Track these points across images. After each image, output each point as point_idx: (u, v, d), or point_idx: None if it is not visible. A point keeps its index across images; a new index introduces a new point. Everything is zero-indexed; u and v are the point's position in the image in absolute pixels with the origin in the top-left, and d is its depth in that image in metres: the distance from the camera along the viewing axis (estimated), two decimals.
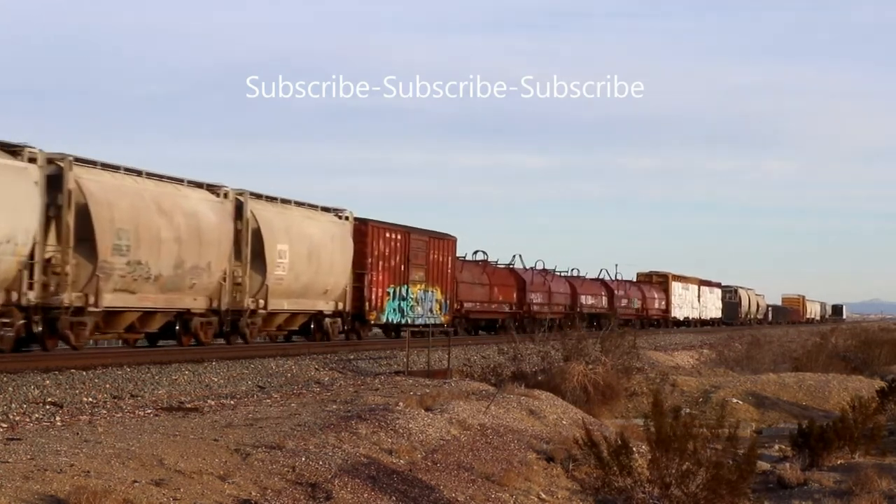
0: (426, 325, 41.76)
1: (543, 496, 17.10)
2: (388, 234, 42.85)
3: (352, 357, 31.10)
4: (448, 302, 48.31)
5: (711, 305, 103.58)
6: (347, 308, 39.06)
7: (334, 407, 19.55)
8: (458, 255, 51.52)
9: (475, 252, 56.58)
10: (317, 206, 37.98)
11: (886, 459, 22.86)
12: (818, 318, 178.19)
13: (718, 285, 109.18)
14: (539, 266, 64.24)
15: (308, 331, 37.84)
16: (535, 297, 61.18)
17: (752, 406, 33.70)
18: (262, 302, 33.42)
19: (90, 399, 19.47)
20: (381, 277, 41.91)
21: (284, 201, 35.76)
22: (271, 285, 33.56)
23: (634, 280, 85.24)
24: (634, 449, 16.50)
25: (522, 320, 55.59)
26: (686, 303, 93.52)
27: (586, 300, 70.04)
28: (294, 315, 36.42)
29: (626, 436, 16.27)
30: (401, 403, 19.79)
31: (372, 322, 41.90)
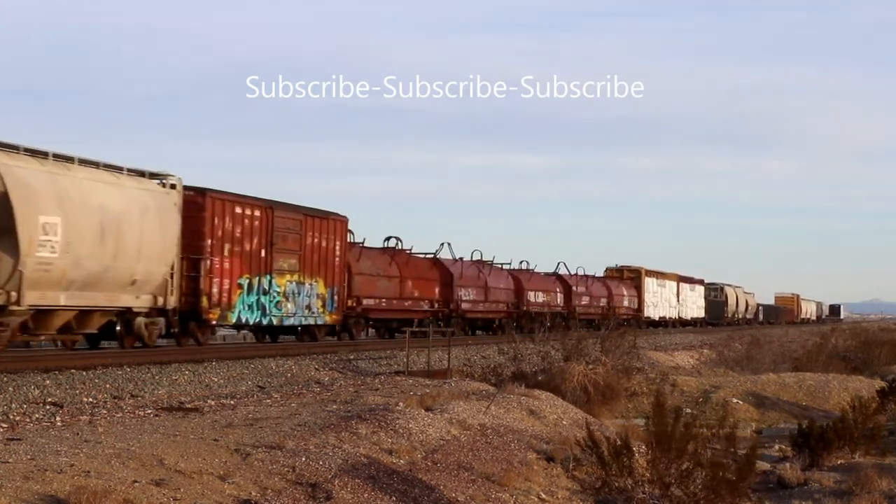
0: (302, 326, 37.60)
1: (543, 496, 17.10)
2: (238, 210, 33.88)
3: (352, 357, 31.11)
4: (337, 297, 39.42)
5: (693, 304, 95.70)
6: (172, 304, 29.70)
7: (334, 407, 19.55)
8: (356, 240, 42.96)
9: (386, 239, 47.14)
10: (122, 169, 28.18)
11: (886, 459, 22.86)
12: (814, 318, 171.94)
13: (701, 282, 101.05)
14: (476, 256, 55.63)
15: (113, 334, 29.08)
16: (466, 294, 52.60)
17: (752, 406, 33.70)
18: (13, 295, 23.90)
19: (90, 399, 19.47)
20: (228, 265, 33.23)
21: (62, 158, 26.05)
22: (31, 272, 24.09)
23: (601, 275, 76.28)
24: (635, 449, 16.49)
25: (449, 320, 48.36)
26: (662, 301, 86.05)
27: (535, 297, 61.46)
28: (86, 314, 26.99)
29: (627, 436, 16.27)
30: (401, 403, 19.78)
31: (214, 322, 33.26)
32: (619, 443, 15.65)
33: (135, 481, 12.10)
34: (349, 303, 40.23)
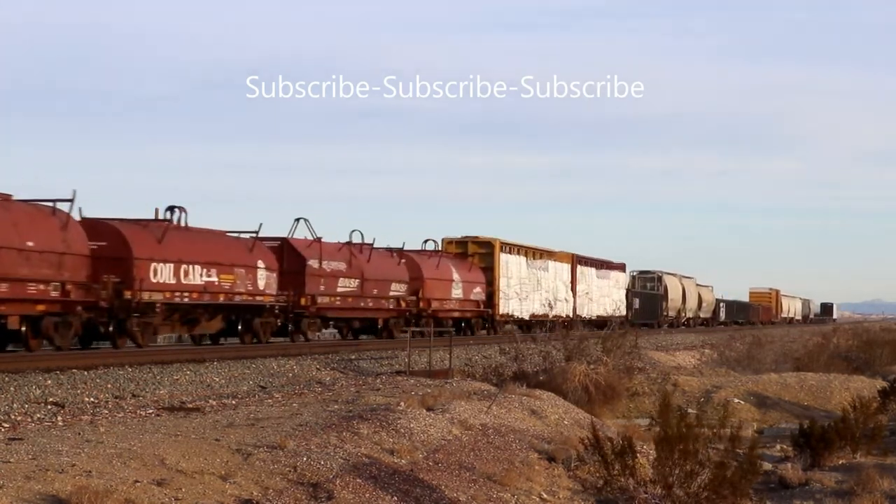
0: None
1: (545, 496, 17.10)
2: None
3: (353, 357, 31.12)
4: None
5: (607, 298, 70.44)
6: None
7: (336, 407, 19.55)
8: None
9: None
10: None
11: (888, 459, 22.86)
12: (799, 317, 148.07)
13: (622, 268, 76.36)
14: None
15: None
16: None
17: (754, 406, 33.70)
18: None
19: (92, 399, 19.48)
20: None
21: None
22: None
23: (425, 249, 49.99)
24: (637, 449, 16.49)
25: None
26: (540, 291, 58.60)
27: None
28: None
29: (630, 436, 16.27)
30: (402, 403, 19.78)
31: None
32: (622, 442, 15.65)
33: (136, 481, 12.11)
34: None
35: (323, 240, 39.50)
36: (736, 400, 33.91)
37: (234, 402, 20.12)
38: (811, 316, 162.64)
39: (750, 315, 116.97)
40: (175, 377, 23.14)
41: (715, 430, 16.60)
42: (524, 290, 57.02)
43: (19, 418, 16.53)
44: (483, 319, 52.92)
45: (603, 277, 71.12)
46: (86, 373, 22.25)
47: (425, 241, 50.29)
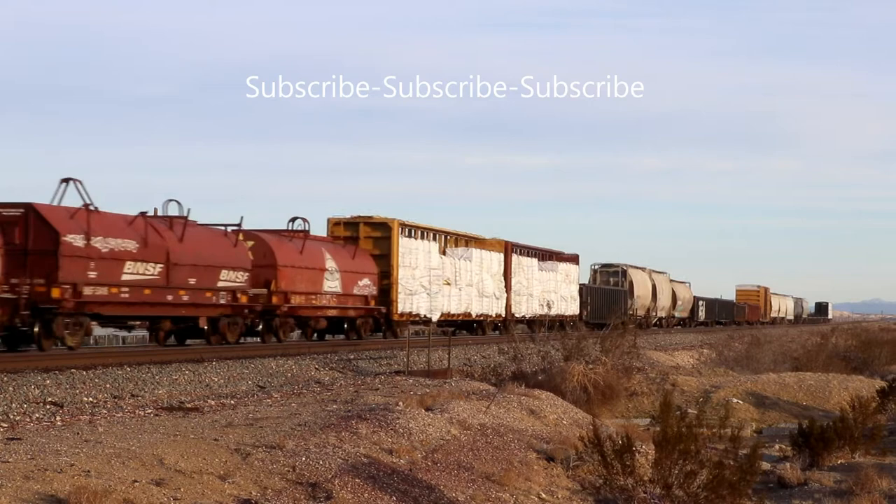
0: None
1: (543, 496, 17.09)
2: None
3: (352, 357, 31.14)
4: None
5: (553, 294, 61.08)
6: None
7: (335, 407, 19.55)
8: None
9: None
10: None
11: (887, 459, 22.86)
12: (790, 317, 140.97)
13: (573, 259, 66.11)
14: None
15: None
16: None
17: (753, 406, 33.69)
18: None
19: (90, 399, 19.48)
20: None
21: None
22: None
23: (287, 230, 39.48)
24: (636, 449, 16.49)
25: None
26: (459, 285, 48.90)
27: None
28: None
29: (629, 435, 16.27)
30: (401, 403, 19.78)
31: None
32: (622, 442, 15.65)
33: (135, 481, 12.10)
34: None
35: (102, 210, 29.68)
36: (735, 400, 33.89)
37: (232, 401, 20.12)
38: (804, 316, 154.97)
39: (735, 314, 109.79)
40: (174, 377, 23.14)
41: (715, 430, 16.60)
42: (435, 284, 46.47)
43: (18, 418, 16.53)
44: (374, 320, 42.67)
45: (548, 270, 61.31)
46: (84, 373, 22.25)
47: (292, 220, 39.35)
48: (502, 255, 55.01)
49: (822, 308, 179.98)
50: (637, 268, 78.82)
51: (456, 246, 50.93)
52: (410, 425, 18.10)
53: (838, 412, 26.55)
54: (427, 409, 19.73)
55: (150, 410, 18.04)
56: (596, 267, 76.50)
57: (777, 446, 25.75)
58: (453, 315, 48.35)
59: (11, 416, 16.65)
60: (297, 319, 37.83)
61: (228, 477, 13.23)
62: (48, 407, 18.00)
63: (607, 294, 71.93)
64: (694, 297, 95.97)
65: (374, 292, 42.22)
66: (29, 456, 12.51)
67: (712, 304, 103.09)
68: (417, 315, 45.15)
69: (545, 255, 62.88)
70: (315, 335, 39.73)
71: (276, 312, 36.18)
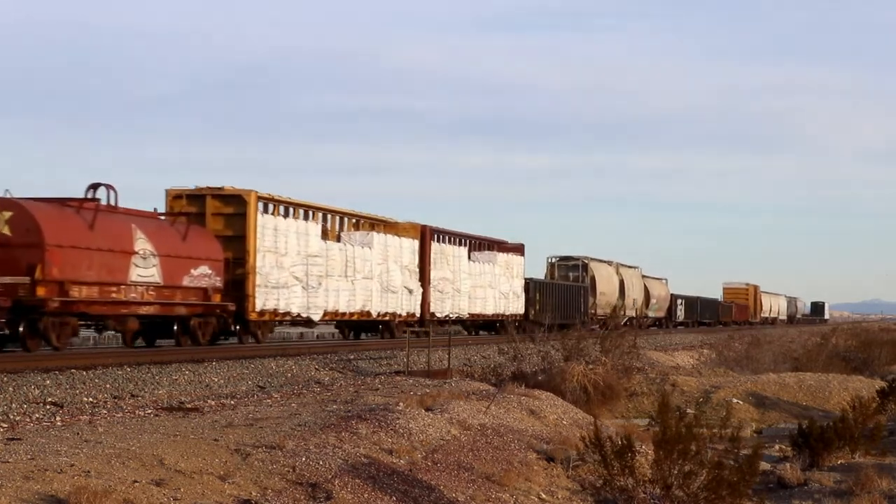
0: None
1: (543, 496, 17.10)
2: None
3: (352, 357, 31.16)
4: None
5: (490, 290, 52.81)
6: None
7: (334, 407, 19.55)
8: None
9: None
10: None
11: (886, 459, 22.86)
12: (783, 317, 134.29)
13: (518, 250, 57.78)
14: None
15: None
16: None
17: (753, 406, 33.70)
18: None
19: (90, 399, 19.47)
20: None
21: None
22: None
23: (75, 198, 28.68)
24: (636, 449, 16.50)
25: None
26: (354, 277, 40.39)
27: None
28: None
29: (629, 435, 16.27)
30: (401, 403, 19.79)
31: None
32: (622, 442, 15.65)
33: (135, 481, 12.10)
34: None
35: None
36: (735, 400, 33.90)
37: (232, 402, 20.12)
38: (798, 316, 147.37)
39: (720, 314, 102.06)
40: (174, 377, 23.15)
41: (715, 431, 16.60)
42: (313, 275, 37.42)
43: (18, 418, 16.52)
44: (220, 320, 33.19)
45: (483, 262, 53.04)
46: (84, 373, 22.25)
47: (92, 188, 29.11)
48: (417, 243, 46.14)
49: (818, 308, 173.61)
50: (601, 261, 72.07)
51: (348, 229, 42.38)
52: (410, 425, 18.10)
53: (838, 412, 26.57)
54: (427, 410, 19.73)
55: (150, 411, 18.04)
56: (553, 260, 69.32)
57: (777, 446, 25.76)
58: (345, 314, 40.33)
59: (11, 417, 16.65)
60: (88, 319, 28.93)
61: (228, 477, 13.23)
62: (48, 407, 18.00)
63: (562, 290, 63.71)
64: (671, 294, 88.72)
65: (219, 284, 32.69)
66: (29, 456, 12.51)
67: (693, 303, 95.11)
68: (288, 314, 36.47)
69: (479, 244, 54.64)
70: (140, 339, 31.35)
71: (44, 309, 26.17)
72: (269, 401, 20.53)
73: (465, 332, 51.81)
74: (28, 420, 16.38)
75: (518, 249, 58.23)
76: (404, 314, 44.52)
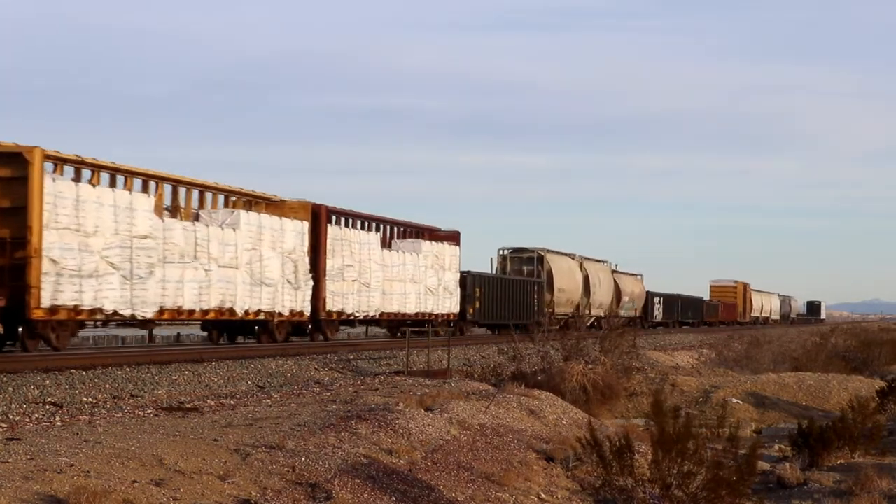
0: None
1: (543, 496, 17.10)
2: None
3: (352, 357, 31.16)
4: None
5: (415, 285, 44.94)
6: None
7: (334, 407, 19.55)
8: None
9: None
10: None
11: (886, 459, 22.86)
12: (776, 317, 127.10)
13: (453, 239, 49.77)
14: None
15: None
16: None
17: (752, 406, 33.70)
18: None
19: (90, 399, 19.47)
20: None
21: None
22: None
23: None
24: (635, 449, 16.50)
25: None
26: (209, 265, 31.92)
27: None
28: None
29: (628, 435, 16.27)
30: (401, 403, 19.79)
31: None
32: (621, 442, 15.66)
33: (134, 481, 12.11)
34: None
35: None
36: (734, 400, 33.90)
37: (232, 402, 20.12)
38: (793, 316, 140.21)
39: (704, 313, 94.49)
40: (173, 377, 23.15)
41: (714, 430, 16.60)
42: (142, 262, 29.14)
43: (17, 418, 16.52)
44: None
45: (403, 251, 44.92)
46: (84, 373, 22.26)
47: None
48: (307, 225, 37.61)
49: (814, 308, 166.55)
50: (562, 253, 63.55)
51: (209, 205, 34.53)
52: (410, 425, 18.11)
53: (838, 412, 26.57)
54: (427, 410, 19.73)
55: (149, 411, 18.04)
56: (505, 252, 60.69)
57: (777, 446, 25.76)
58: (193, 311, 31.80)
59: (11, 417, 16.65)
60: None
61: (228, 477, 13.23)
62: (48, 407, 18.00)
63: (509, 286, 54.84)
64: (647, 292, 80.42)
65: None
66: (28, 456, 12.52)
67: (673, 302, 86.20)
68: (98, 311, 27.74)
69: (400, 231, 46.45)
70: None
71: None
72: (268, 401, 20.53)
73: (389, 335, 45.44)
74: (28, 420, 16.38)
75: (452, 238, 49.89)
76: (286, 312, 36.28)
